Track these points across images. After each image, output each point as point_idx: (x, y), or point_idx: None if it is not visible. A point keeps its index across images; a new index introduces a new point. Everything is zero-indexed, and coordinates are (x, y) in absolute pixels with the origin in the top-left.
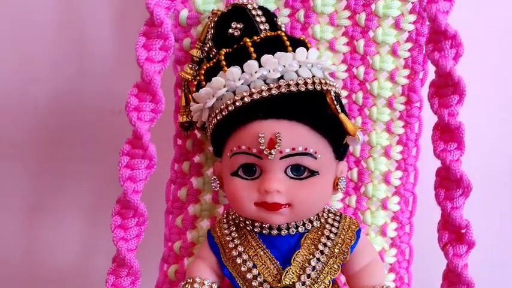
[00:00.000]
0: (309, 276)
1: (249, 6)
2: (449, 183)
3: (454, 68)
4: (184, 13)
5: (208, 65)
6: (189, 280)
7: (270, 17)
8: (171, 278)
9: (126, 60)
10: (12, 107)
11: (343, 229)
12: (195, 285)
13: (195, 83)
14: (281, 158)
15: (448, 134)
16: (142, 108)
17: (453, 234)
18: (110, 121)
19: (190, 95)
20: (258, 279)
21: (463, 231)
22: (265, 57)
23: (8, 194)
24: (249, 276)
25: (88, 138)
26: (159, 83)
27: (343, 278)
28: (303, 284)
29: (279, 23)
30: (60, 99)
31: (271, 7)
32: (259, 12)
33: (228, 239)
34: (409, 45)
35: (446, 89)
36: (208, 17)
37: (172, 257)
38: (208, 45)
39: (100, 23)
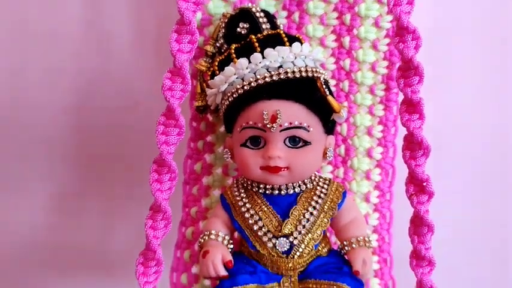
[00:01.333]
0: (303, 227)
1: (253, 9)
2: (413, 146)
3: (415, 55)
4: (198, 15)
5: (221, 58)
6: (206, 233)
7: (271, 18)
8: (188, 238)
9: (142, 66)
10: (44, 103)
11: (331, 191)
12: (211, 236)
13: (209, 73)
14: (281, 131)
15: (411, 107)
16: (174, 88)
17: (417, 186)
18: (126, 117)
19: (204, 84)
20: (263, 229)
21: (424, 184)
22: (268, 51)
23: (36, 180)
24: (255, 227)
25: (107, 132)
26: (187, 69)
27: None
28: (299, 233)
29: (278, 23)
30: (84, 97)
31: (271, 10)
32: (262, 15)
33: (238, 199)
34: (387, 40)
35: (409, 72)
36: (220, 19)
37: (189, 221)
38: (220, 42)
39: (119, 31)
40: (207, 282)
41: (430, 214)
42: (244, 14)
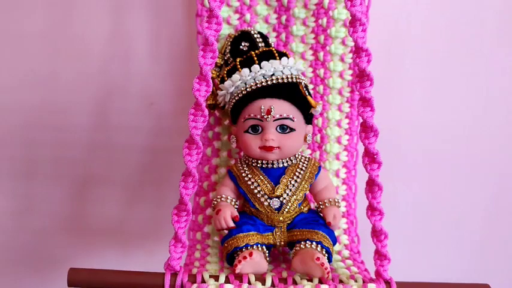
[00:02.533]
0: (290, 190)
1: (252, 31)
2: (366, 129)
3: (367, 67)
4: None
5: (228, 68)
6: (218, 197)
7: (265, 38)
8: (201, 205)
9: (159, 70)
10: (73, 99)
11: (310, 165)
12: (222, 199)
13: (219, 79)
14: (273, 121)
15: (365, 102)
16: (201, 89)
17: (370, 158)
18: (147, 111)
19: (214, 87)
20: (261, 192)
21: (375, 156)
22: (264, 63)
23: (63, 165)
24: (255, 191)
25: (128, 123)
26: (210, 76)
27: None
28: (287, 195)
29: (270, 41)
30: (109, 97)
31: (264, 31)
32: (258, 36)
33: (242, 172)
34: (351, 55)
35: (363, 78)
36: (226, 38)
37: (202, 192)
38: (227, 56)
39: (140, 44)
40: (216, 238)
41: (388, 189)
42: (245, 35)
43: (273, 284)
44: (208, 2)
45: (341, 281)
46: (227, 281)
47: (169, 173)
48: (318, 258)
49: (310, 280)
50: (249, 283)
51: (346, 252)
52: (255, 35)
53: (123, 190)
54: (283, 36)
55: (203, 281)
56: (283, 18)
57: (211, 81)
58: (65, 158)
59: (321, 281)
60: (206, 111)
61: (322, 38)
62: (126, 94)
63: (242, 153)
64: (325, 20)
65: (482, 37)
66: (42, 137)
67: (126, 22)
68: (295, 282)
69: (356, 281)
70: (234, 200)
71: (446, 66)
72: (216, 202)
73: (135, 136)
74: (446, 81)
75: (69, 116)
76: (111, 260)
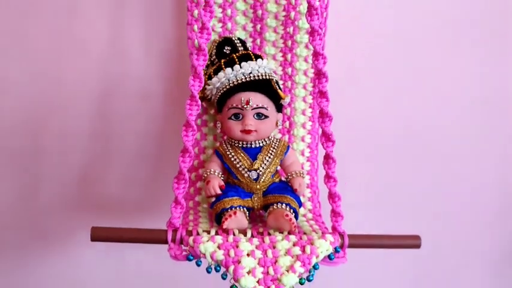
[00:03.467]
0: (265, 164)
1: (233, 37)
2: (323, 115)
3: (323, 67)
4: (196, 41)
5: (215, 67)
6: (207, 171)
7: (243, 43)
8: (193, 179)
9: (152, 69)
10: (76, 92)
11: (281, 145)
12: (211, 172)
13: (206, 77)
14: (251, 110)
15: (322, 94)
16: (195, 84)
17: (325, 137)
18: (142, 104)
19: None
20: (242, 166)
21: (330, 136)
22: (243, 64)
23: (67, 150)
24: (237, 165)
25: (132, 110)
26: (202, 74)
27: None
28: (262, 168)
29: (248, 46)
30: (110, 92)
31: (243, 37)
32: (238, 41)
33: (226, 150)
34: None
35: (320, 75)
36: (212, 43)
37: (193, 169)
38: (213, 57)
39: (136, 46)
40: (205, 205)
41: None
42: (227, 41)
43: (252, 236)
44: (201, 17)
45: (305, 233)
46: (217, 234)
47: (163, 155)
48: (287, 215)
49: (281, 233)
50: (234, 235)
51: (310, 215)
52: (236, 41)
53: (121, 171)
54: (258, 41)
55: (198, 235)
56: (258, 26)
57: (203, 78)
58: (69, 144)
59: (289, 233)
60: (199, 102)
61: (289, 42)
62: (124, 89)
63: (225, 137)
64: (292, 28)
65: (434, 35)
66: (47, 128)
67: (124, 28)
68: (269, 234)
69: (316, 233)
70: (220, 173)
71: (394, 62)
72: (206, 175)
73: (132, 124)
74: (392, 75)
75: (74, 106)
76: None
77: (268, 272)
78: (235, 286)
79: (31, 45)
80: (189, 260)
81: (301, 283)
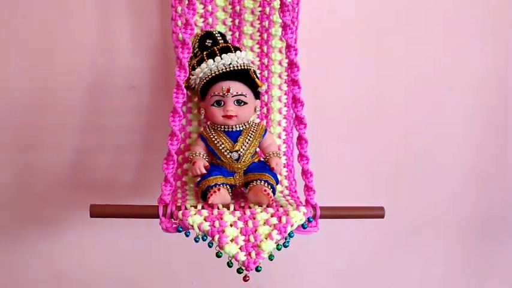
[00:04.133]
0: (245, 146)
1: (213, 31)
2: (295, 101)
3: (295, 58)
4: (181, 35)
5: (198, 59)
6: (193, 153)
7: (223, 36)
8: (180, 161)
9: (138, 61)
10: (69, 83)
11: (259, 128)
12: (196, 154)
13: (190, 67)
14: (232, 97)
15: (293, 82)
16: (180, 75)
17: (298, 120)
18: (129, 93)
19: None
20: (224, 148)
21: (301, 119)
22: (224, 55)
23: (62, 140)
24: (220, 147)
25: (120, 100)
26: (187, 65)
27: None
28: (243, 149)
29: (227, 39)
30: (100, 84)
31: (223, 31)
32: (218, 35)
33: (210, 134)
34: None
35: (292, 65)
36: (194, 37)
37: (179, 151)
38: (196, 50)
39: (123, 40)
40: (191, 185)
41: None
42: (209, 34)
43: (234, 209)
44: (185, 14)
45: (281, 206)
46: (203, 208)
47: (150, 142)
48: (265, 191)
49: (260, 206)
50: (218, 209)
51: (286, 191)
52: (216, 34)
53: (111, 158)
54: (236, 34)
55: (186, 209)
56: (237, 21)
57: (188, 69)
58: (61, 134)
59: (268, 206)
60: (185, 90)
61: (265, 35)
62: (113, 80)
63: (209, 122)
64: (267, 22)
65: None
66: (40, 119)
67: (112, 23)
68: (250, 208)
69: (292, 205)
70: (205, 155)
71: (361, 51)
72: (192, 157)
73: (121, 113)
74: (358, 65)
75: (64, 97)
76: None
77: (249, 240)
78: (221, 253)
79: (20, 39)
80: (179, 231)
81: (278, 249)
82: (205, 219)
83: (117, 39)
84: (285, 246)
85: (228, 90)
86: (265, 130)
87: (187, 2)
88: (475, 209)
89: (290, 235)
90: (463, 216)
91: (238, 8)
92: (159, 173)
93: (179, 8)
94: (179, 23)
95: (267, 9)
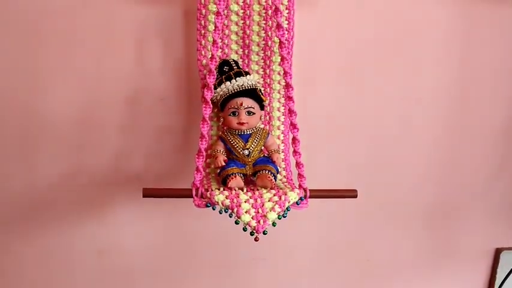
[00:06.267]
0: (253, 145)
1: (229, 60)
2: (291, 112)
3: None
4: (204, 61)
5: (218, 81)
6: (215, 150)
7: (236, 63)
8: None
9: (167, 82)
10: (108, 95)
11: (263, 132)
12: (218, 151)
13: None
14: (244, 109)
15: (289, 99)
16: (208, 94)
17: (292, 125)
18: (160, 103)
19: None
20: (238, 147)
21: (295, 124)
22: (238, 78)
23: (103, 143)
24: (235, 146)
25: (153, 109)
26: (213, 87)
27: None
28: (252, 147)
29: (239, 65)
30: (139, 98)
31: (235, 58)
32: (233, 62)
33: (227, 137)
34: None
35: (287, 86)
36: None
37: (203, 153)
38: (216, 74)
39: (155, 63)
40: (213, 174)
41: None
42: (225, 62)
43: (247, 191)
44: (212, 51)
45: (281, 189)
46: (224, 190)
47: (176, 143)
48: (269, 177)
49: (266, 188)
50: (235, 191)
51: (284, 179)
52: (231, 62)
53: (145, 155)
54: (246, 61)
55: (212, 191)
56: (246, 51)
57: (213, 89)
58: (107, 134)
59: (271, 189)
60: (210, 104)
61: (268, 62)
62: (147, 94)
63: (226, 128)
64: (269, 52)
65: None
66: (90, 120)
67: (146, 50)
68: (258, 190)
69: (288, 188)
70: (223, 152)
71: (346, 65)
72: (214, 153)
73: (153, 119)
74: (344, 79)
75: (110, 105)
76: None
77: (258, 211)
78: (238, 221)
79: (78, 64)
80: (207, 206)
81: (278, 218)
82: (226, 197)
83: (150, 62)
84: (284, 217)
85: (241, 104)
86: (268, 133)
87: (212, 40)
88: (436, 196)
89: (287, 209)
90: (430, 202)
91: (247, 41)
92: (181, 166)
93: (203, 42)
94: (203, 52)
95: (269, 42)
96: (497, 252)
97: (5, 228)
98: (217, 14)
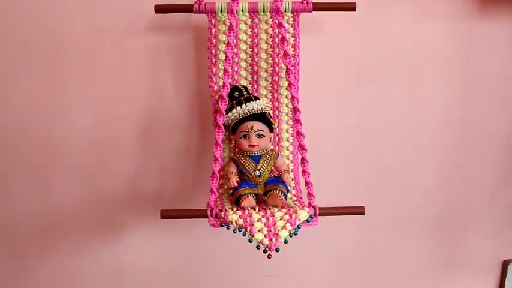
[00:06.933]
0: (264, 166)
1: (239, 86)
2: (297, 122)
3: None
4: (216, 88)
5: (229, 106)
6: (228, 172)
7: (246, 89)
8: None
9: (180, 104)
10: (127, 121)
11: (273, 153)
12: (230, 172)
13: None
14: (254, 132)
15: (297, 122)
16: (220, 119)
17: (301, 147)
18: (173, 128)
19: None
20: (250, 168)
21: (304, 146)
22: (248, 103)
23: (121, 163)
24: (247, 167)
25: (167, 135)
26: (225, 113)
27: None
28: (263, 168)
29: (249, 90)
30: (152, 120)
31: (245, 84)
32: (243, 88)
33: (239, 158)
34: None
35: (295, 110)
36: None
37: (216, 175)
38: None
39: (169, 91)
40: (226, 195)
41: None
42: (236, 88)
43: (259, 210)
44: (223, 79)
45: (291, 207)
46: (237, 210)
47: (188, 163)
48: (280, 197)
49: (277, 207)
50: (248, 210)
51: (294, 198)
52: (241, 88)
53: (160, 177)
54: (255, 86)
55: (226, 211)
56: (255, 77)
57: (225, 115)
58: (124, 156)
59: (282, 208)
60: (223, 128)
61: (275, 86)
62: (162, 118)
63: (237, 149)
64: (276, 78)
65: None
66: (107, 144)
67: (161, 77)
68: (269, 209)
69: (298, 207)
70: (236, 173)
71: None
72: (227, 175)
73: (168, 141)
74: (346, 105)
75: (126, 129)
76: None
77: (270, 230)
78: (252, 239)
79: (96, 92)
80: (222, 226)
81: (290, 236)
82: (239, 217)
83: (164, 88)
84: (295, 234)
85: (252, 128)
86: (278, 154)
87: (223, 69)
88: (443, 209)
89: (298, 227)
90: (434, 216)
91: (256, 68)
92: (195, 187)
93: (214, 69)
94: (214, 79)
95: (276, 68)
96: (505, 264)
97: (24, 249)
98: (228, 44)
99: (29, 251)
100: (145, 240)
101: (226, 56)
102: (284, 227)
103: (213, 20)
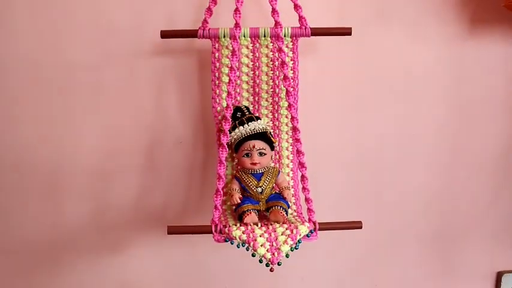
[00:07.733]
0: (266, 183)
1: (241, 106)
2: (299, 153)
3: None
4: (219, 108)
5: (232, 125)
6: (231, 189)
7: (248, 109)
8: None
9: (183, 121)
10: (133, 139)
11: (275, 170)
12: (233, 189)
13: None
14: (256, 150)
15: (297, 141)
16: (224, 139)
17: (301, 164)
18: (177, 146)
19: None
20: (252, 185)
21: (303, 163)
22: (250, 123)
23: (127, 179)
24: (249, 184)
25: (171, 149)
26: (228, 132)
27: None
28: (265, 185)
29: (251, 110)
30: (157, 137)
31: (247, 104)
32: (245, 108)
33: (242, 176)
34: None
35: (294, 130)
36: None
37: (222, 188)
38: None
39: (173, 108)
40: (229, 211)
41: (312, 180)
42: (238, 108)
43: (261, 225)
44: (227, 101)
45: (292, 223)
46: (240, 225)
47: (191, 180)
48: (281, 213)
49: (278, 223)
50: (251, 226)
51: (295, 213)
52: (243, 108)
53: (164, 194)
54: (256, 107)
55: (230, 227)
56: (256, 98)
57: (228, 134)
58: (128, 173)
59: (283, 223)
60: (226, 147)
61: (276, 107)
62: (166, 137)
63: (239, 167)
64: (277, 98)
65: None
66: (112, 162)
67: (165, 98)
68: (271, 224)
69: (299, 222)
70: (239, 190)
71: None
72: (230, 192)
73: (172, 159)
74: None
75: (131, 147)
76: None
77: (272, 245)
78: (255, 253)
79: (103, 114)
80: (226, 241)
81: (291, 250)
82: (243, 233)
83: (170, 109)
84: (296, 248)
85: (254, 147)
86: (279, 171)
87: (227, 92)
88: (439, 223)
89: (299, 241)
90: (429, 229)
91: (257, 89)
92: (199, 203)
93: (217, 91)
94: (217, 100)
95: (276, 90)
96: (499, 275)
97: (33, 266)
98: (231, 69)
99: (37, 267)
100: (151, 254)
101: (230, 79)
102: (285, 241)
103: (217, 45)
